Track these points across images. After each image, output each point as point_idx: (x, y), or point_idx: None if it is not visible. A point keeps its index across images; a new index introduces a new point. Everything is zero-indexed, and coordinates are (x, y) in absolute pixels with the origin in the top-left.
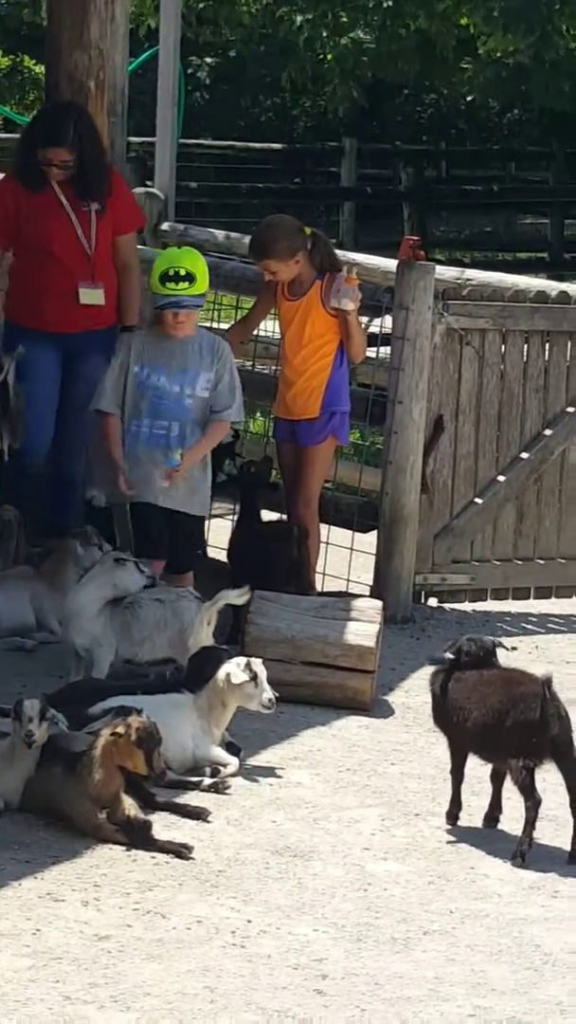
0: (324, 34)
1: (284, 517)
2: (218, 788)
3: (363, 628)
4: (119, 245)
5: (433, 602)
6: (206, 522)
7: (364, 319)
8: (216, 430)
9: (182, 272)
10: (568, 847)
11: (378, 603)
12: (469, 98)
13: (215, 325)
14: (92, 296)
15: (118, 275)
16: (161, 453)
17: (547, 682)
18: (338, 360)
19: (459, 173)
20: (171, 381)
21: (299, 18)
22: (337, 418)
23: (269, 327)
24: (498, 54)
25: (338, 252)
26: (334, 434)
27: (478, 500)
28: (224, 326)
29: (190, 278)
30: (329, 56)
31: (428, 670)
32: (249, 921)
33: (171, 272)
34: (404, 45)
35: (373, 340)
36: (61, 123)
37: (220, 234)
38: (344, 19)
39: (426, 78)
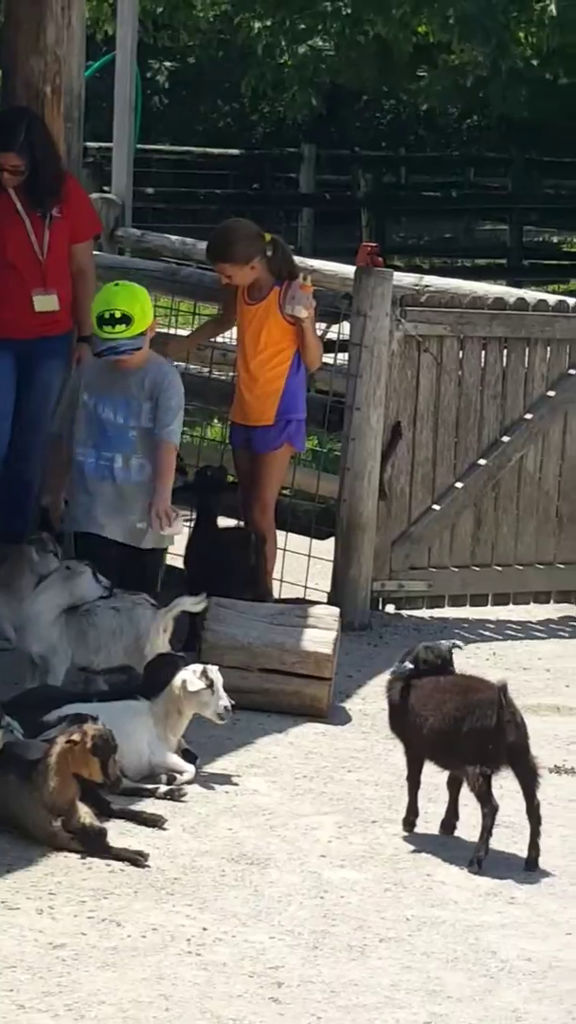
0: (283, 42)
1: (241, 523)
2: (174, 795)
3: (320, 635)
4: (75, 252)
5: (390, 609)
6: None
7: (322, 325)
8: (163, 458)
9: (117, 315)
10: (524, 854)
11: (335, 610)
12: (424, 104)
13: (173, 331)
14: (45, 303)
15: (74, 282)
16: (110, 486)
17: (503, 689)
18: (295, 367)
19: (418, 179)
20: (116, 412)
21: (257, 24)
22: (293, 425)
23: (226, 333)
24: (456, 62)
25: (296, 258)
26: (290, 441)
27: (436, 507)
28: (182, 332)
29: (126, 320)
30: (288, 62)
31: (385, 677)
32: (205, 929)
33: (106, 315)
34: (363, 52)
35: (331, 347)
36: (12, 128)
37: (177, 240)
38: (303, 26)
39: (385, 84)
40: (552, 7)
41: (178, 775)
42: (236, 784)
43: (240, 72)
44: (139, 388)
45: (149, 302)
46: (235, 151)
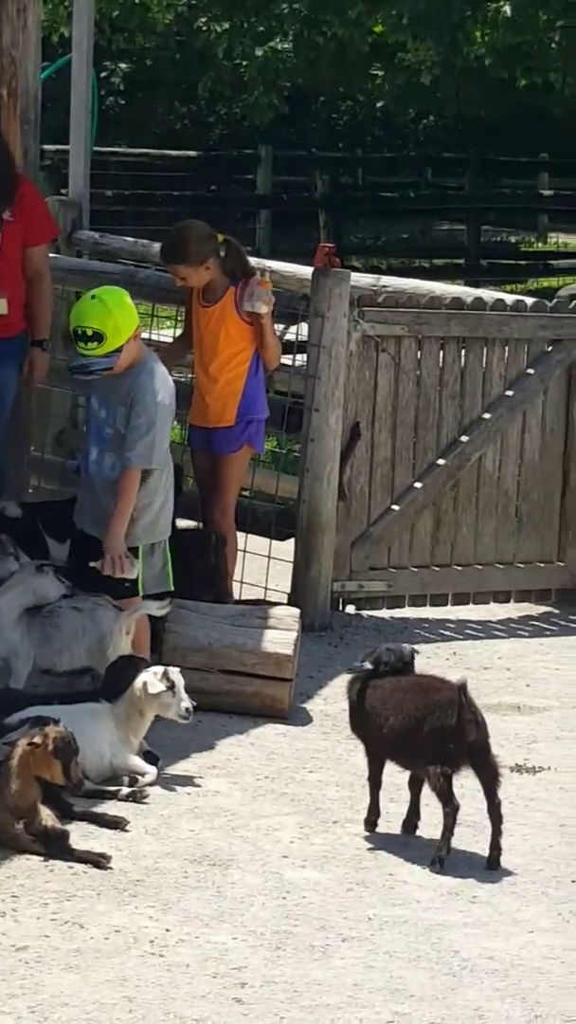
0: (243, 44)
1: (201, 525)
2: (136, 797)
3: (280, 636)
4: (31, 256)
5: (351, 609)
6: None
7: (280, 326)
8: (124, 484)
9: (88, 332)
10: (486, 853)
11: (295, 611)
12: (380, 104)
13: None
14: None
15: (29, 287)
16: (88, 479)
17: (463, 688)
18: (254, 368)
19: (375, 180)
20: (100, 406)
21: (217, 28)
22: (253, 426)
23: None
24: (407, 60)
25: (254, 260)
26: (250, 442)
27: (395, 507)
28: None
29: (98, 338)
30: (246, 64)
31: (346, 677)
32: (167, 930)
33: (78, 331)
34: (322, 53)
35: (289, 348)
36: None
37: (135, 242)
38: (261, 29)
39: (342, 85)
40: (506, 7)
41: (140, 777)
42: (198, 785)
43: (197, 74)
44: (125, 386)
45: (127, 312)
46: (192, 153)
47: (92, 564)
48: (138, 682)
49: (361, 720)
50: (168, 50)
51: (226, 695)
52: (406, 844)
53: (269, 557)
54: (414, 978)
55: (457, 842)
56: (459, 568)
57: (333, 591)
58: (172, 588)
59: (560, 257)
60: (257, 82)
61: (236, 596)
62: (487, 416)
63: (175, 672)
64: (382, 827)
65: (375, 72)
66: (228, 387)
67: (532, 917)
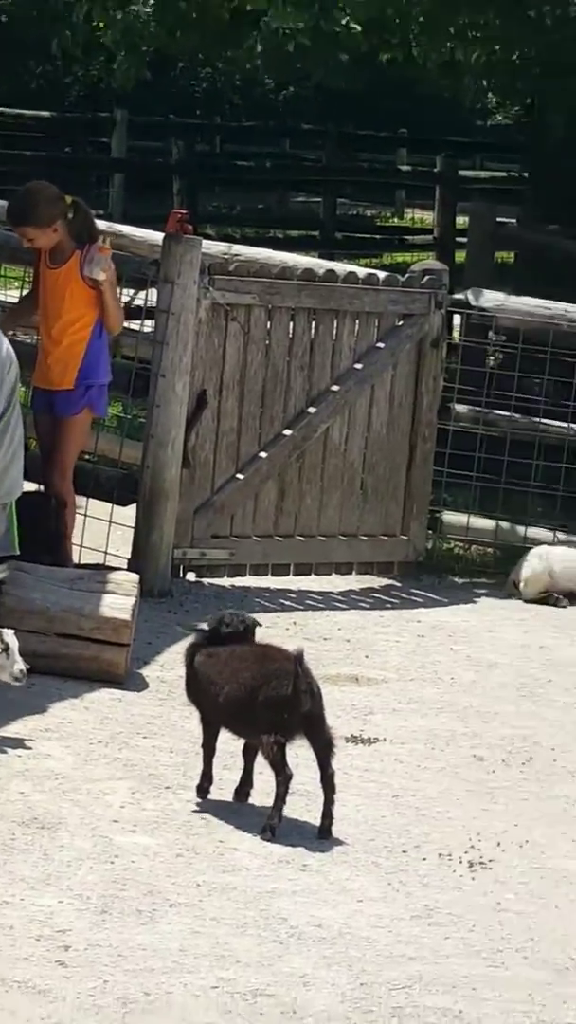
0: (105, 6)
1: (41, 488)
2: None
3: (118, 601)
4: None
5: (191, 577)
6: None
7: (129, 292)
8: None
9: None
10: (318, 822)
11: (135, 576)
12: (248, 66)
13: None
14: None
15: None
16: None
17: (299, 658)
18: (97, 332)
19: (232, 148)
20: None
21: None
22: (94, 390)
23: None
24: (276, 28)
25: (105, 224)
26: (91, 406)
27: (240, 476)
28: None
29: None
30: (103, 26)
31: (183, 644)
32: None
33: None
34: (185, 17)
35: (137, 313)
36: None
37: None
38: None
39: (203, 51)
40: None
41: None
42: (29, 748)
43: (54, 33)
44: None
45: None
46: (46, 113)
47: None
48: None
49: (197, 687)
50: (25, 6)
51: (62, 659)
52: (238, 812)
53: (110, 522)
54: (240, 944)
55: (289, 811)
56: (302, 539)
57: (174, 558)
58: (17, 552)
59: (415, 233)
60: (120, 46)
61: (75, 560)
62: (335, 388)
63: (9, 634)
64: (214, 794)
65: (248, 34)
66: (70, 350)
67: (362, 887)
